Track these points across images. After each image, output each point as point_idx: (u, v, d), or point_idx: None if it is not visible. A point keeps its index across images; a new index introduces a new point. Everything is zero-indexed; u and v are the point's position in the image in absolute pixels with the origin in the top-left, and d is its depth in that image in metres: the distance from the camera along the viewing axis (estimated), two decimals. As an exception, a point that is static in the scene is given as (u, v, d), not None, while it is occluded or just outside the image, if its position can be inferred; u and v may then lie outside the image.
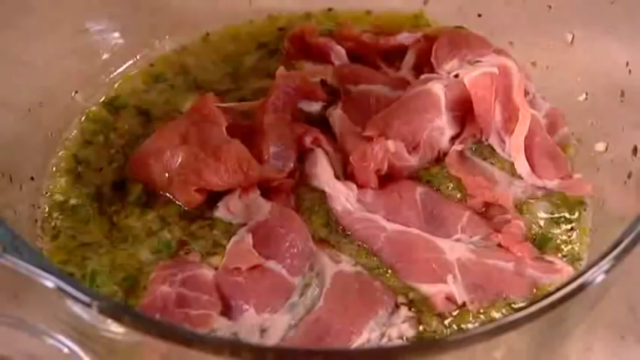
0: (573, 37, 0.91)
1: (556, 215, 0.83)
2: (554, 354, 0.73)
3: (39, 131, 0.87)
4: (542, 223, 0.83)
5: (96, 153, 0.89)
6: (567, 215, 0.83)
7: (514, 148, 0.85)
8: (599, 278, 0.58)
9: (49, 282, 0.54)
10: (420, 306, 0.76)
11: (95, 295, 0.55)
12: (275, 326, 0.73)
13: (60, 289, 0.54)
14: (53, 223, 0.82)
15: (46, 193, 0.85)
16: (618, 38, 0.83)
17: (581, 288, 0.57)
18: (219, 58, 0.99)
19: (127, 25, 0.97)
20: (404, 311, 0.75)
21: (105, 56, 0.96)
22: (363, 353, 0.59)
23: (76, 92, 0.92)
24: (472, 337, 0.55)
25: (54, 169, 0.87)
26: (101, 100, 0.94)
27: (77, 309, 0.56)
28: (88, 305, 0.54)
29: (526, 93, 0.89)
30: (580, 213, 0.83)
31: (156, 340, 0.54)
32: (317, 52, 0.97)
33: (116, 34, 0.96)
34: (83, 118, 0.92)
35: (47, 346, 0.59)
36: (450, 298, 0.76)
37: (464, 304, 0.75)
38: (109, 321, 0.55)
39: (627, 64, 0.81)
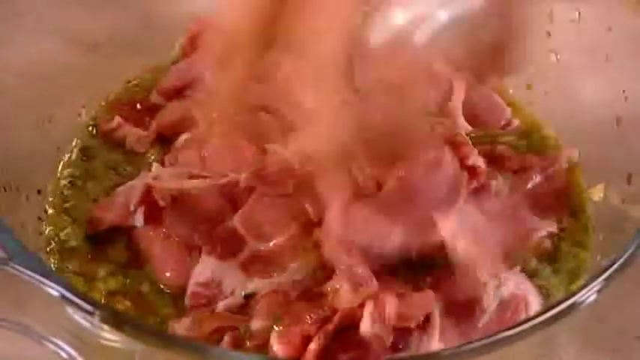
0: (571, 63, 0.92)
1: None
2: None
3: (46, 145, 0.88)
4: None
5: (77, 198, 0.86)
6: None
7: (453, 114, 0.87)
8: (590, 299, 0.59)
9: (54, 291, 0.56)
10: None
11: (98, 305, 0.57)
12: None
13: (64, 297, 0.56)
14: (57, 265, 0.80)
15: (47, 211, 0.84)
16: (616, 66, 0.85)
17: (571, 309, 0.59)
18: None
19: (137, 41, 0.98)
20: None
21: (111, 71, 0.96)
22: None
23: (84, 107, 0.93)
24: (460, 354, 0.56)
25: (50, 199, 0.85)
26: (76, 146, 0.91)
27: (78, 317, 0.58)
28: (91, 314, 0.56)
29: None
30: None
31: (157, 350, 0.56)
32: None
33: (124, 51, 0.97)
34: (67, 158, 0.90)
35: (48, 351, 0.60)
36: None
37: None
38: (110, 329, 0.56)
39: (624, 91, 0.82)
